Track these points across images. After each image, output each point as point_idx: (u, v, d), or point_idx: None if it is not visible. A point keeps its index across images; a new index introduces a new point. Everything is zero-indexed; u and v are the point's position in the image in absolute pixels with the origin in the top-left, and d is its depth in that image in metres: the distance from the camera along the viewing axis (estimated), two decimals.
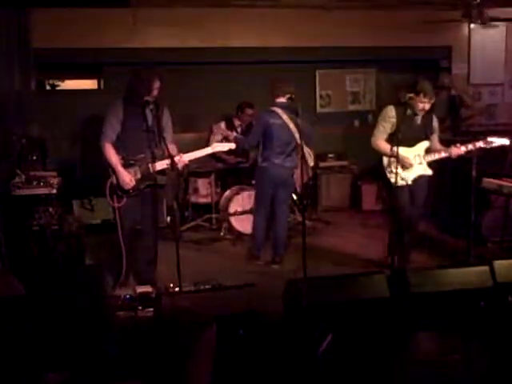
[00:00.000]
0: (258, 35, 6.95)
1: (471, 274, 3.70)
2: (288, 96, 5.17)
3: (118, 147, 4.35)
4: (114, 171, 4.30)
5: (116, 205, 4.32)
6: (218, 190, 6.71)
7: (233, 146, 4.60)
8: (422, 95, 4.65)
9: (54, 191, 4.92)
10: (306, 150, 5.34)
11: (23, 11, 6.16)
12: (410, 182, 4.80)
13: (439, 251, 5.60)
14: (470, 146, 4.70)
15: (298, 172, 5.47)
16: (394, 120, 4.76)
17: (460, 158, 4.90)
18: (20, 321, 2.95)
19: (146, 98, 4.31)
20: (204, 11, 6.70)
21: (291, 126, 5.16)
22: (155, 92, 4.35)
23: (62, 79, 7.47)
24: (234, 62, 7.13)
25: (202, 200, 6.70)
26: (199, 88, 7.21)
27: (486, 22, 6.84)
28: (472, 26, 7.39)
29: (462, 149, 4.72)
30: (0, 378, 2.64)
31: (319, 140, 7.54)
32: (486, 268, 3.70)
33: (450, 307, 3.49)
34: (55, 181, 5.03)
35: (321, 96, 8.04)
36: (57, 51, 6.38)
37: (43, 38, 6.29)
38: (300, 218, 6.25)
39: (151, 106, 4.38)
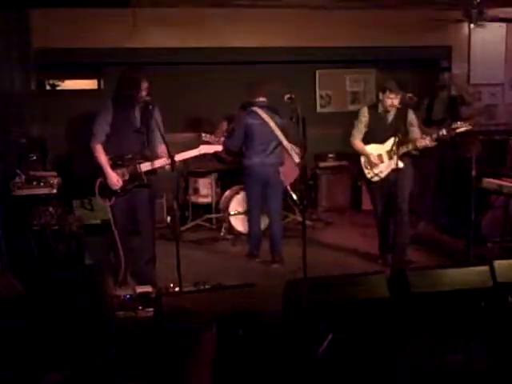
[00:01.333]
0: (258, 35, 6.94)
1: (471, 274, 3.70)
2: (288, 96, 5.19)
3: (107, 147, 4.43)
4: (103, 172, 4.39)
5: (107, 203, 4.45)
6: (218, 190, 6.72)
7: (219, 148, 4.72)
8: (388, 92, 4.88)
9: (54, 191, 4.92)
10: (291, 146, 5.54)
11: (23, 11, 6.16)
12: (382, 177, 5.00)
13: (439, 251, 5.60)
14: (434, 136, 4.81)
15: (284, 170, 5.56)
16: (367, 119, 5.08)
17: (460, 157, 4.91)
18: (20, 321, 2.95)
19: (135, 99, 4.37)
20: (204, 11, 6.70)
21: (272, 124, 5.29)
22: (143, 93, 4.39)
23: (62, 79, 7.46)
24: (234, 62, 7.13)
25: (202, 200, 6.70)
26: (199, 88, 7.21)
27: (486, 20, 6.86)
28: (472, 25, 7.38)
29: (428, 139, 4.81)
30: (0, 377, 2.64)
31: (319, 140, 7.58)
32: (486, 268, 3.70)
33: (450, 307, 3.49)
34: (55, 181, 5.02)
35: (321, 96, 8.03)
36: (57, 51, 6.37)
37: (43, 38, 6.28)
38: (300, 218, 6.25)
39: (141, 107, 4.44)
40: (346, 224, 6.83)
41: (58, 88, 7.50)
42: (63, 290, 3.35)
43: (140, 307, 3.64)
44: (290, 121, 5.41)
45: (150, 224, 4.66)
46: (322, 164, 7.57)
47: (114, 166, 4.40)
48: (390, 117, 5.01)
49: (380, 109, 5.02)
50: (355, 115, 8.07)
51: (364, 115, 5.09)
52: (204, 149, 4.54)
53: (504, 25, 7.61)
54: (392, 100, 4.88)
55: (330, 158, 7.63)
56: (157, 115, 4.46)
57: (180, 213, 6.39)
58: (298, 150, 5.57)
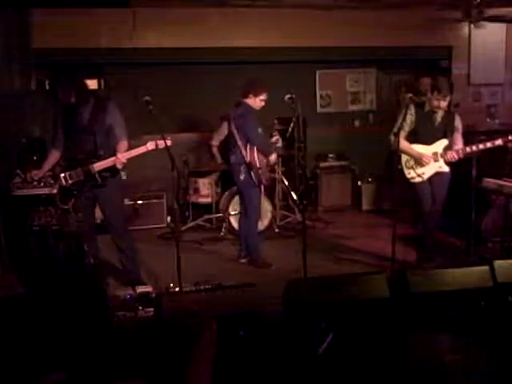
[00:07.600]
0: (258, 35, 6.95)
1: (471, 274, 3.70)
2: (288, 96, 5.22)
3: (65, 149, 4.41)
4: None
5: (66, 207, 4.43)
6: (218, 190, 6.72)
7: (169, 142, 4.26)
8: (436, 92, 4.70)
9: (54, 191, 4.92)
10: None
11: (23, 11, 6.16)
12: (425, 178, 4.85)
13: (439, 251, 5.59)
14: (489, 144, 4.68)
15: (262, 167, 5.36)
16: (413, 118, 4.82)
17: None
18: (20, 321, 2.95)
19: (69, 100, 4.27)
20: (204, 11, 6.70)
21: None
22: (62, 96, 4.29)
23: None
24: (234, 62, 7.13)
25: (202, 200, 6.70)
26: (199, 88, 7.21)
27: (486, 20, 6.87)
28: (472, 26, 7.38)
29: (473, 147, 4.71)
30: (0, 377, 2.64)
31: (319, 140, 7.59)
32: (486, 268, 3.69)
33: (450, 307, 3.49)
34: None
35: (321, 96, 8.04)
36: (57, 51, 6.38)
37: (43, 38, 6.29)
38: (300, 218, 6.26)
39: (91, 105, 4.34)
40: (346, 224, 6.82)
41: None
42: (63, 290, 3.35)
43: (140, 307, 3.64)
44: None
45: (119, 222, 4.59)
46: (322, 164, 7.58)
47: (68, 168, 4.34)
48: (438, 118, 4.83)
49: (426, 108, 4.82)
50: (355, 115, 8.20)
51: (410, 113, 4.80)
52: (151, 145, 4.30)
53: (504, 25, 7.61)
54: (439, 101, 4.70)
55: (330, 157, 7.64)
56: (113, 111, 4.35)
57: (180, 213, 6.40)
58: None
